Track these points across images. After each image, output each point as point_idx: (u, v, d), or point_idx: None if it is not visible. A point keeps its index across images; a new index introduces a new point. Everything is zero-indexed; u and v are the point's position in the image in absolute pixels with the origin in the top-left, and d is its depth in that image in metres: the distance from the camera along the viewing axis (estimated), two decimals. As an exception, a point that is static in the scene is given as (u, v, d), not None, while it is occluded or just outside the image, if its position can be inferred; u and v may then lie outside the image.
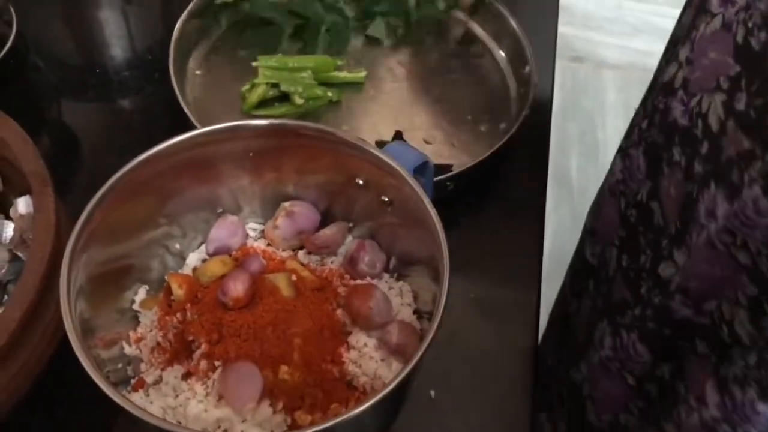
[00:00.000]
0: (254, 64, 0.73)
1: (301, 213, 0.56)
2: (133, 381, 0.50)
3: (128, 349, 0.51)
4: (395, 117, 0.72)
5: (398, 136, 0.69)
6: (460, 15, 0.80)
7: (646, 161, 0.60)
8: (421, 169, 0.52)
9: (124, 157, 0.48)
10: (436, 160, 0.60)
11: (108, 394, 0.39)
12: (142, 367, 0.50)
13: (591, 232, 0.71)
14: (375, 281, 0.54)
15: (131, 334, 0.51)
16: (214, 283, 0.52)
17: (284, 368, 0.47)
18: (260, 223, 0.58)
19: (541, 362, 0.76)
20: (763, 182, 0.43)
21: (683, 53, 0.54)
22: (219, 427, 0.47)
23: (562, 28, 0.85)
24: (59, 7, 0.84)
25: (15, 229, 0.56)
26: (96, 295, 0.47)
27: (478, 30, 0.79)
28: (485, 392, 0.57)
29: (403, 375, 0.41)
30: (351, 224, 0.57)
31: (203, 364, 0.48)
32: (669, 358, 0.55)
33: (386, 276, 0.55)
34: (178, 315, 0.51)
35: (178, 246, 0.56)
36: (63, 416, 0.53)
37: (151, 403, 0.48)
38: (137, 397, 0.48)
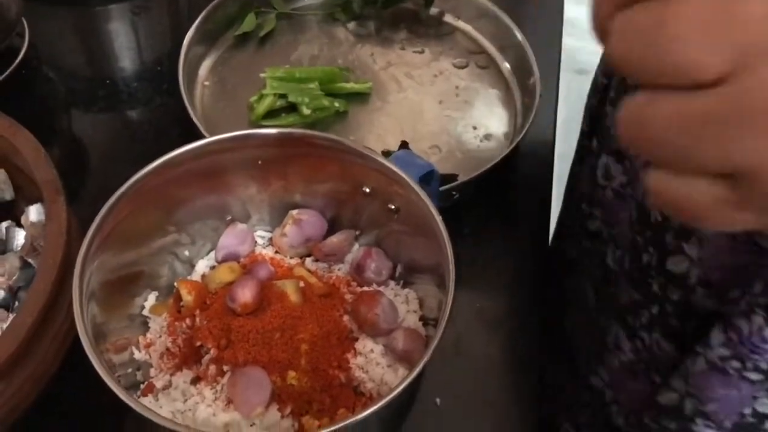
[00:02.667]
0: (262, 75, 0.73)
1: (309, 221, 0.56)
2: (142, 386, 0.50)
3: (138, 354, 0.51)
4: (401, 127, 0.73)
5: (404, 146, 0.70)
6: (466, 27, 0.81)
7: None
8: (427, 178, 0.52)
9: (133, 167, 0.49)
10: (441, 170, 0.60)
11: (121, 398, 0.39)
12: (152, 372, 0.51)
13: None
14: (381, 288, 0.54)
15: (141, 339, 0.52)
16: (223, 290, 0.52)
17: (292, 373, 0.48)
18: (268, 231, 0.59)
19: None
20: None
21: None
22: (227, 431, 0.47)
23: (566, 41, 0.86)
24: (70, 19, 0.85)
25: (26, 237, 0.57)
26: (107, 301, 0.48)
27: (484, 42, 0.80)
28: (491, 401, 0.57)
29: (408, 380, 0.41)
30: (358, 232, 0.57)
31: (212, 369, 0.49)
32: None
33: (392, 283, 0.55)
34: (188, 321, 0.51)
35: (187, 253, 0.56)
36: (71, 423, 0.53)
37: (161, 407, 0.48)
38: (146, 402, 0.49)
